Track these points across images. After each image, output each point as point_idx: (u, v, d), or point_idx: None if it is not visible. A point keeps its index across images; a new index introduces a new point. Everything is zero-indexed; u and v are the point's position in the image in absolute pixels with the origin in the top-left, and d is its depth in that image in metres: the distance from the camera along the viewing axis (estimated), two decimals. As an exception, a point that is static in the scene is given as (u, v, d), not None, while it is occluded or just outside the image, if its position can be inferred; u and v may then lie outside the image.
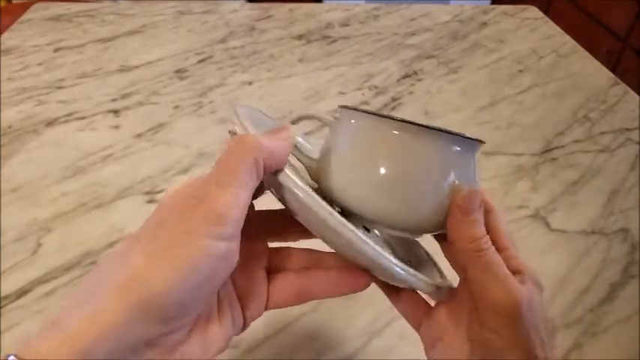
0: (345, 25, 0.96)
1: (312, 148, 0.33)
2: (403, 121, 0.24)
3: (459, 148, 0.25)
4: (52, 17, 0.94)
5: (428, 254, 0.31)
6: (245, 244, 0.22)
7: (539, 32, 0.95)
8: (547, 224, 0.51)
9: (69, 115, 0.66)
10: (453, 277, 0.27)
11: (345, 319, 0.42)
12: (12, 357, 0.17)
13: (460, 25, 0.97)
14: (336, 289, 0.26)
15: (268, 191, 0.25)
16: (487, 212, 0.25)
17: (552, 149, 0.63)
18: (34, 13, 0.95)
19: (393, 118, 0.24)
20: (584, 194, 0.55)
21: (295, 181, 0.22)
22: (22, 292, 0.43)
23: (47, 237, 0.48)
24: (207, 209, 0.20)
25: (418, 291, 0.27)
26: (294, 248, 0.28)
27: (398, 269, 0.22)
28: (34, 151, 0.60)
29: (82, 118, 0.66)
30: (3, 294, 0.42)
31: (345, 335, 0.40)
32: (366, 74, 0.79)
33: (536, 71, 0.81)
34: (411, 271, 0.23)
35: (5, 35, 0.86)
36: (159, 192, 0.53)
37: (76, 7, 0.98)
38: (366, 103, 0.71)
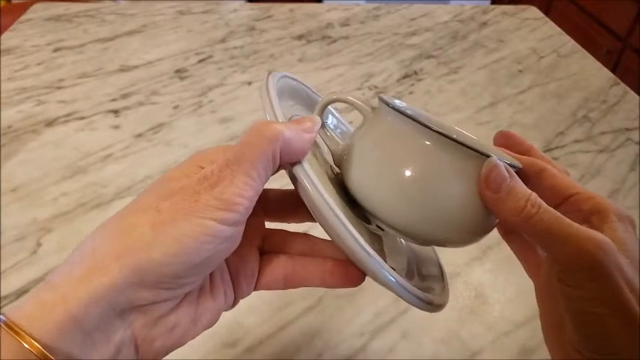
0: (345, 25, 0.96)
1: (344, 129, 0.32)
2: (442, 134, 0.22)
3: None
4: (51, 17, 0.94)
5: (440, 265, 0.30)
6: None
7: (539, 32, 0.95)
8: (547, 224, 0.51)
9: (69, 115, 0.66)
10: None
11: (346, 318, 0.41)
12: (0, 317, 0.17)
13: (460, 25, 0.97)
14: (327, 280, 0.26)
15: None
16: (536, 171, 0.24)
17: (552, 149, 0.63)
18: (34, 13, 0.95)
19: (431, 129, 0.23)
20: (584, 194, 0.55)
21: (310, 179, 0.22)
22: (22, 292, 0.43)
23: (47, 237, 0.48)
24: (219, 194, 0.20)
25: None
26: (291, 232, 0.28)
27: (391, 278, 0.22)
28: (34, 151, 0.60)
29: (82, 118, 0.66)
30: (3, 294, 0.42)
31: (345, 335, 0.40)
32: (366, 74, 0.79)
33: (536, 71, 0.81)
34: (408, 286, 0.22)
35: (5, 35, 0.86)
36: (159, 192, 0.53)
37: (76, 7, 0.98)
38: (366, 103, 0.71)
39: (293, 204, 0.26)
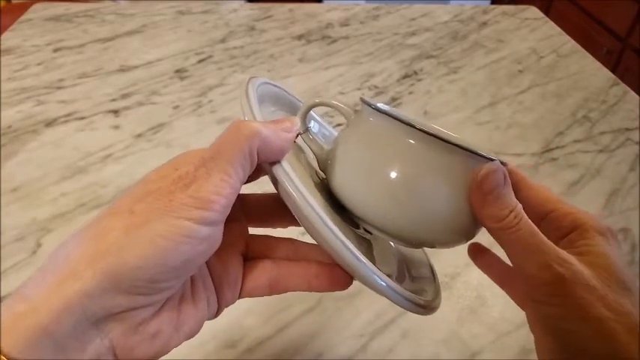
0: (345, 25, 0.96)
1: (328, 134, 0.32)
2: (425, 131, 0.22)
3: (477, 166, 0.23)
4: (51, 17, 0.94)
5: (431, 266, 0.30)
6: (224, 228, 0.21)
7: (539, 32, 0.95)
8: (547, 224, 0.51)
9: (69, 115, 0.66)
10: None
11: (345, 319, 0.41)
12: None
13: (460, 25, 0.97)
14: (313, 284, 0.25)
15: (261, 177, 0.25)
16: (520, 187, 0.24)
17: (552, 149, 0.63)
18: (33, 13, 0.95)
19: (415, 127, 0.23)
20: (584, 194, 0.55)
21: (290, 178, 0.21)
22: (22, 292, 0.43)
23: (47, 237, 0.48)
24: (195, 192, 0.19)
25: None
26: (275, 237, 0.27)
27: (381, 283, 0.21)
28: (34, 151, 0.60)
29: (82, 118, 0.66)
30: (3, 294, 0.42)
31: (345, 335, 0.40)
32: (366, 74, 0.79)
33: (536, 71, 0.81)
34: (399, 289, 0.22)
35: (5, 35, 0.86)
36: (159, 192, 0.53)
37: (75, 7, 0.98)
38: (366, 103, 0.71)
39: (278, 208, 0.25)
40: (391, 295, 0.22)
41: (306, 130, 0.28)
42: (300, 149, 0.29)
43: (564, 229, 0.23)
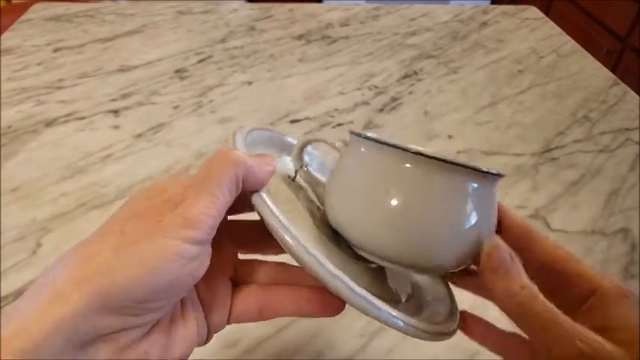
0: (345, 25, 0.96)
1: (326, 166, 0.32)
2: (412, 151, 0.22)
3: (476, 184, 0.23)
4: (51, 17, 0.94)
5: (448, 287, 0.29)
6: (212, 253, 0.22)
7: (539, 32, 0.95)
8: (547, 224, 0.51)
9: (69, 115, 0.66)
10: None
11: (346, 319, 0.41)
12: None
13: (460, 25, 0.97)
14: (305, 309, 0.25)
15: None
16: (530, 243, 0.24)
17: (552, 149, 0.63)
18: (33, 13, 0.95)
19: (398, 147, 0.22)
20: (584, 194, 0.55)
21: (267, 204, 0.22)
22: (22, 292, 0.43)
23: (47, 237, 0.48)
24: (183, 212, 0.20)
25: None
26: (264, 261, 0.27)
27: (379, 313, 0.21)
28: (34, 151, 0.60)
29: (82, 118, 0.66)
30: (3, 294, 0.42)
31: (345, 335, 0.40)
32: (366, 74, 0.79)
33: (536, 71, 0.81)
34: (399, 317, 0.22)
35: (5, 35, 0.86)
36: (159, 192, 0.53)
37: (75, 7, 0.98)
38: (366, 103, 0.71)
39: (267, 235, 0.26)
40: (393, 324, 0.22)
41: (301, 166, 0.29)
42: (299, 187, 0.29)
43: (582, 294, 0.23)
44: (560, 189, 0.56)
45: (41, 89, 0.72)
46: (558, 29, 0.96)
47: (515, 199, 0.55)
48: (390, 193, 0.23)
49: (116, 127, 0.64)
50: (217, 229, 0.21)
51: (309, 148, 0.30)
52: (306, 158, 0.30)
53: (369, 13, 1.01)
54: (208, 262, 0.21)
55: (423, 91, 0.75)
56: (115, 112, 0.67)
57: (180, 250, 0.19)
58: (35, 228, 0.49)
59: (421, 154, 0.22)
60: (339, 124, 0.66)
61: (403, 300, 0.27)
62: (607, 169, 0.59)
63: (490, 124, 0.68)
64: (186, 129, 0.64)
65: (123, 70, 0.77)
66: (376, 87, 0.75)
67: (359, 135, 0.25)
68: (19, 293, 0.43)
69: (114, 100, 0.70)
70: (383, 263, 0.25)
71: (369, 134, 0.24)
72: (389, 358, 0.39)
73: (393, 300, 0.26)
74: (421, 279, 0.30)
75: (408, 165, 0.23)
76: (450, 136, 0.65)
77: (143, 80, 0.75)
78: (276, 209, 0.22)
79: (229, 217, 0.26)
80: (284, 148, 0.31)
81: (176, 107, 0.69)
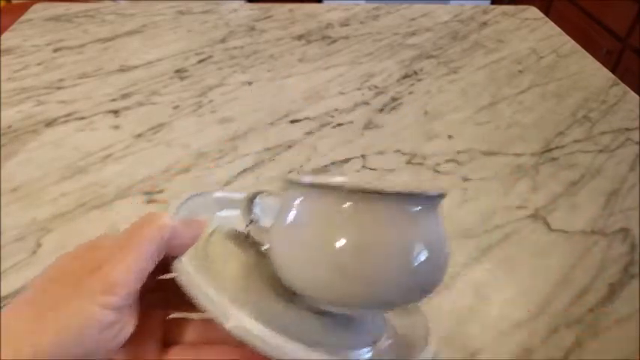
0: (345, 25, 0.96)
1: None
2: (332, 186, 0.21)
3: (417, 208, 0.21)
4: (51, 17, 0.94)
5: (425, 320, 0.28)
6: (140, 316, 0.21)
7: (539, 32, 0.95)
8: (547, 224, 0.51)
9: (69, 115, 0.66)
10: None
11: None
12: None
13: (460, 25, 0.97)
14: None
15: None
16: None
17: (552, 149, 0.63)
18: (34, 13, 0.95)
19: (324, 186, 0.22)
20: (584, 194, 0.55)
21: (187, 271, 0.22)
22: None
23: (47, 237, 0.48)
24: (102, 276, 0.20)
25: None
26: (193, 320, 0.26)
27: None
28: (34, 151, 0.60)
29: (82, 118, 0.66)
30: (3, 294, 0.42)
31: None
32: (366, 74, 0.79)
33: (535, 71, 0.81)
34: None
35: (5, 35, 0.86)
36: (159, 192, 0.53)
37: (75, 7, 0.98)
38: (366, 103, 0.71)
39: None
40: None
41: (251, 221, 0.28)
42: (254, 242, 0.28)
43: None
44: (560, 189, 0.56)
45: (41, 89, 0.72)
46: (558, 29, 0.96)
47: (516, 199, 0.55)
48: (322, 235, 0.22)
49: (116, 127, 0.64)
50: (144, 292, 0.21)
51: (257, 200, 0.29)
52: (256, 211, 0.29)
53: (369, 13, 1.01)
54: (131, 328, 0.21)
55: (423, 91, 0.75)
56: (115, 112, 0.67)
57: (97, 314, 0.19)
58: (35, 228, 0.49)
59: (341, 188, 0.21)
60: (339, 124, 0.66)
61: (384, 341, 0.26)
62: (607, 169, 0.59)
63: (490, 124, 0.68)
64: (186, 129, 0.64)
65: (123, 70, 0.77)
66: (376, 87, 0.75)
67: (289, 182, 0.24)
68: (18, 293, 0.43)
69: (114, 100, 0.70)
70: (343, 310, 0.24)
71: (300, 178, 0.23)
72: (389, 358, 0.39)
73: (364, 344, 0.25)
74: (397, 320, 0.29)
75: (344, 203, 0.21)
76: (450, 136, 0.65)
77: (143, 80, 0.75)
78: (193, 273, 0.22)
79: (164, 277, 0.25)
80: (234, 204, 0.30)
81: (176, 107, 0.69)
